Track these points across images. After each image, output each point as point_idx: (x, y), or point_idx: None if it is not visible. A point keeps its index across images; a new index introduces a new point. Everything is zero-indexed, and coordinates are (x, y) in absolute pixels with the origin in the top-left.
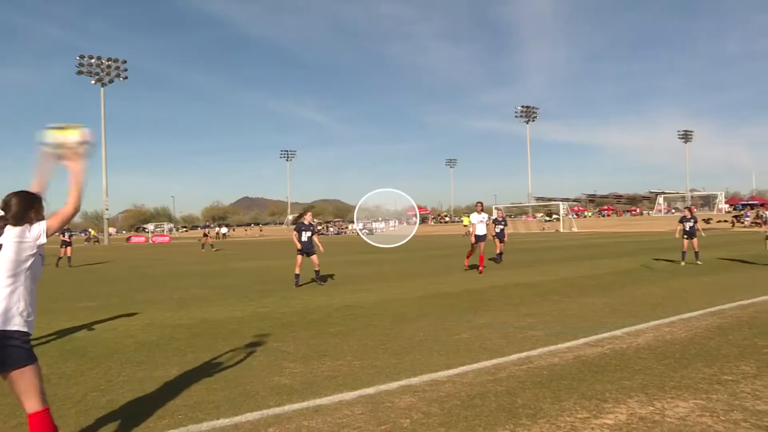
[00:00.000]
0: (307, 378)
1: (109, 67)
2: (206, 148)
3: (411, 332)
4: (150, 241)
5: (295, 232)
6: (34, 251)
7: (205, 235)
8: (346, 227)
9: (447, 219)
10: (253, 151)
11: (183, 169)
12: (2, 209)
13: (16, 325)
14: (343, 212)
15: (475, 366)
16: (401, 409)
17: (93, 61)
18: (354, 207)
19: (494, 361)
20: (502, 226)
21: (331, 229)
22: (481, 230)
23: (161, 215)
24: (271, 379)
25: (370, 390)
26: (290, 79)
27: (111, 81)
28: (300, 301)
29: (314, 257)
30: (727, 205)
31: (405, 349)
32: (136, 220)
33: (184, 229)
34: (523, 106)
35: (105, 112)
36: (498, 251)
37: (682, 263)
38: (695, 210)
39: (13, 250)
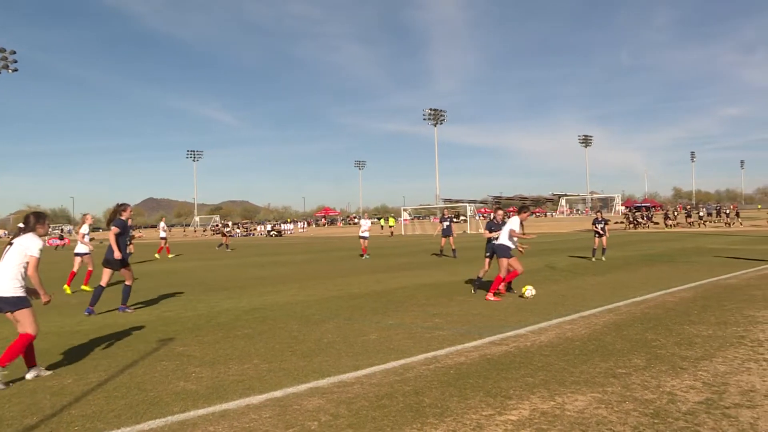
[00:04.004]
0: (214, 382)
1: None
2: (108, 147)
3: (319, 334)
4: (47, 244)
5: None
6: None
7: (224, 234)
8: (255, 229)
9: (356, 220)
10: (158, 150)
11: (83, 169)
12: (24, 223)
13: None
14: (251, 213)
15: (383, 367)
16: (309, 411)
17: None
18: (262, 208)
19: (402, 362)
20: (447, 223)
21: (238, 231)
22: (502, 238)
23: (59, 216)
24: (175, 384)
25: (278, 393)
26: (195, 77)
27: None
28: (206, 304)
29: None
30: (623, 207)
31: (313, 351)
32: None
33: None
34: (431, 109)
35: None
36: (452, 245)
37: (593, 259)
38: (603, 214)
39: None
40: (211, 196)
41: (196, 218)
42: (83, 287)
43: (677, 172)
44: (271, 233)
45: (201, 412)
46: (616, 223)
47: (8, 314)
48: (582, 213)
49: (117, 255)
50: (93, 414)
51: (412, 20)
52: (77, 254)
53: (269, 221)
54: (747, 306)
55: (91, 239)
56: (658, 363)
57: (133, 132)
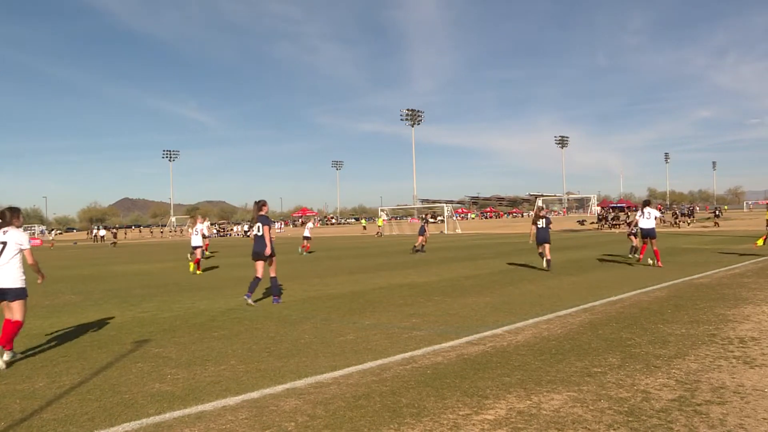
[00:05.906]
0: (190, 384)
1: None
2: (82, 147)
3: (296, 335)
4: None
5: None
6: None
7: (246, 234)
8: (231, 229)
9: (333, 221)
10: (134, 150)
11: (56, 169)
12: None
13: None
14: (228, 214)
15: (360, 367)
16: (286, 412)
17: None
18: (239, 208)
19: (379, 362)
20: (424, 224)
21: (214, 231)
22: (648, 224)
23: (32, 217)
24: (151, 386)
25: (255, 394)
26: (172, 76)
27: None
28: (183, 305)
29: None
30: (599, 208)
31: (290, 351)
32: None
33: (58, 232)
34: (408, 110)
35: None
36: (420, 243)
37: (629, 256)
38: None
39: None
40: (187, 196)
41: (173, 218)
42: (195, 271)
43: (652, 173)
44: (248, 233)
45: (177, 413)
46: (592, 223)
47: (4, 303)
48: (560, 214)
49: (267, 251)
50: (65, 417)
51: (391, 20)
52: (194, 247)
53: (246, 221)
54: (718, 305)
55: (210, 226)
56: (632, 362)
57: (107, 131)
